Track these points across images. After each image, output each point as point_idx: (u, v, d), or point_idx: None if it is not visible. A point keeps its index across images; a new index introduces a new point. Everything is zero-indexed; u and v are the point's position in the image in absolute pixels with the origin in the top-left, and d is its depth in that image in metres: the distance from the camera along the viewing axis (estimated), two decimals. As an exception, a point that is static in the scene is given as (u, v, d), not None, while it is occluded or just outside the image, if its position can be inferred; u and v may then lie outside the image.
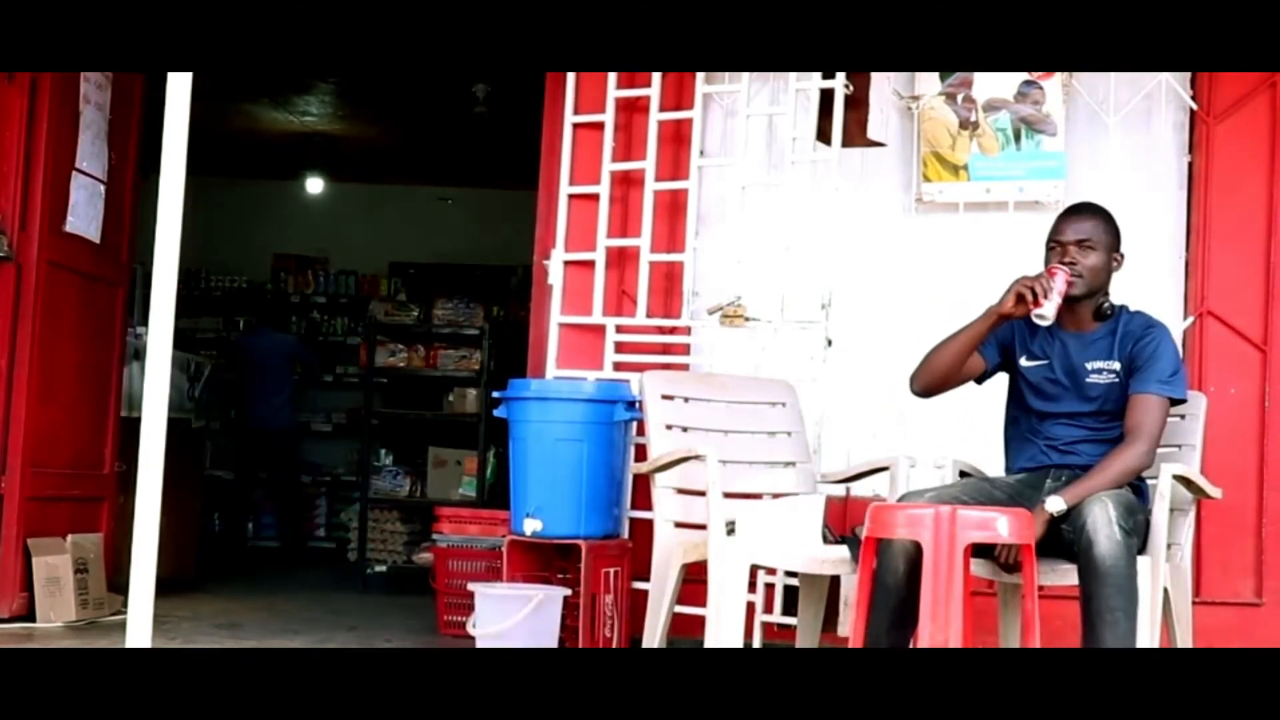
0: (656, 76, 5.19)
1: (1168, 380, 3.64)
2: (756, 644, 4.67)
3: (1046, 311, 3.57)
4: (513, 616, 4.30)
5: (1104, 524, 3.36)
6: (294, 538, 9.46)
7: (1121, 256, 3.77)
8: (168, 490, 3.29)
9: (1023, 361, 3.80)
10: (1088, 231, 3.70)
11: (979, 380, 3.89)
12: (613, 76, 5.23)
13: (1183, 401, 3.73)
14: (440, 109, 8.73)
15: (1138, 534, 3.48)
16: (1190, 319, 4.93)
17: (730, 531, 3.81)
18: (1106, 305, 3.73)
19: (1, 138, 5.17)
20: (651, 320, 5.13)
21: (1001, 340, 3.83)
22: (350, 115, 9.30)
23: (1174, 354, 3.70)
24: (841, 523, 4.68)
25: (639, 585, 4.60)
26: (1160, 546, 3.55)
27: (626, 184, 5.29)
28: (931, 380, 3.82)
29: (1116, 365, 3.69)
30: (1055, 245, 3.72)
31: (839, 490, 4.72)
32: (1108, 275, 3.73)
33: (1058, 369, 3.75)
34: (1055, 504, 3.48)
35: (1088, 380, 3.71)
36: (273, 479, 9.42)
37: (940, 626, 3.07)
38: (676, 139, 5.26)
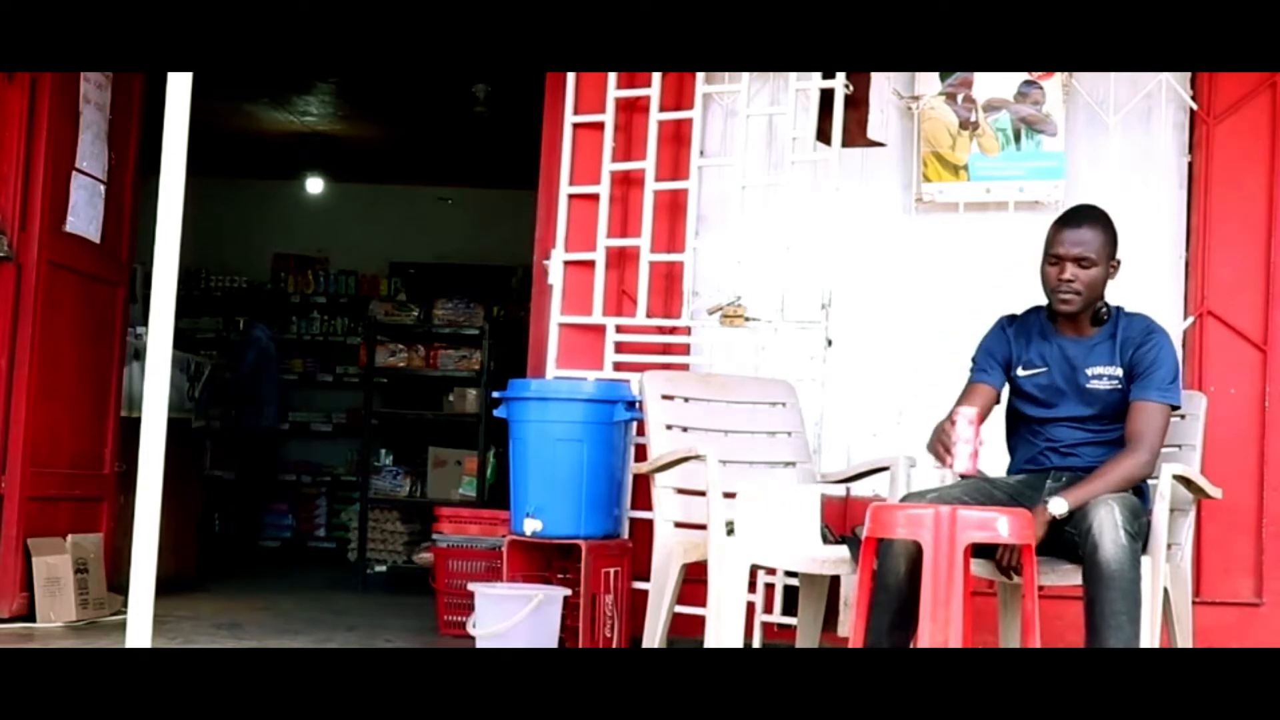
0: (656, 76, 5.19)
1: (1167, 388, 3.65)
2: (756, 644, 4.67)
3: (959, 467, 3.42)
4: (513, 616, 4.30)
5: (1110, 528, 3.36)
6: (267, 538, 9.42)
7: (1119, 263, 3.75)
8: (168, 490, 3.30)
9: (1019, 372, 3.81)
10: (1085, 248, 3.65)
11: (999, 402, 3.90)
12: (613, 76, 5.23)
13: (1178, 407, 3.74)
14: (440, 109, 8.73)
15: (1141, 537, 3.49)
16: (1190, 319, 4.93)
17: (730, 531, 3.81)
18: (1104, 310, 3.73)
19: (1, 138, 5.17)
20: (651, 320, 5.13)
21: (1000, 358, 3.85)
22: (350, 115, 9.30)
23: (1173, 360, 3.70)
24: (841, 523, 4.68)
25: (639, 585, 4.60)
26: (1160, 546, 3.56)
27: (626, 184, 5.29)
28: None
29: (1118, 371, 3.69)
30: (1054, 260, 3.68)
31: (839, 490, 4.72)
32: (1103, 285, 3.72)
33: (1057, 375, 3.75)
34: (1058, 506, 3.48)
35: (1088, 386, 3.71)
36: (250, 479, 9.40)
37: (940, 626, 3.07)
38: (676, 139, 5.26)
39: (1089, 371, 3.70)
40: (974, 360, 3.89)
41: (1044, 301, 3.77)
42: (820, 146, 4.96)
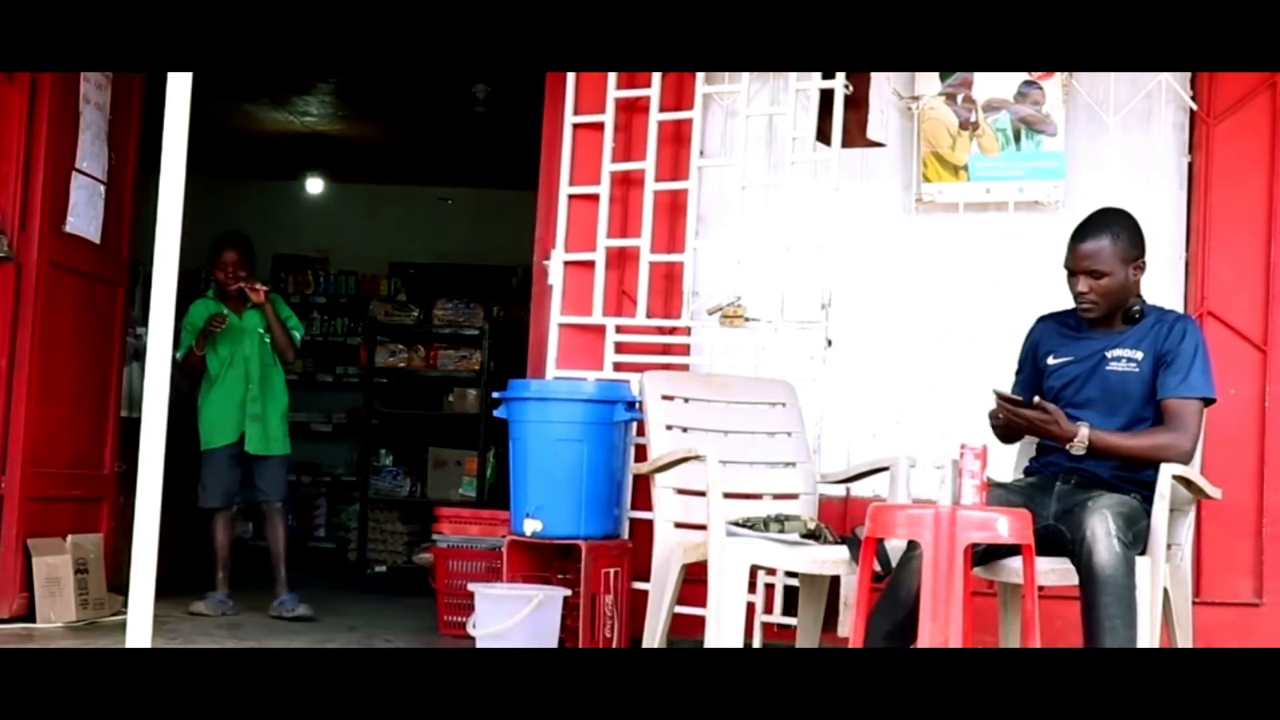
0: (656, 76, 5.19)
1: (1192, 380, 3.69)
2: (756, 644, 4.66)
3: (965, 500, 3.27)
4: (513, 616, 4.30)
5: (1103, 535, 3.41)
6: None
7: (1143, 263, 3.80)
8: (168, 491, 3.29)
9: (1048, 361, 3.88)
10: (1093, 260, 3.73)
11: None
12: (613, 76, 5.23)
13: (1213, 400, 3.75)
14: (440, 109, 8.73)
15: (1138, 543, 3.53)
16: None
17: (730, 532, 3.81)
18: (1136, 309, 3.80)
19: (1, 138, 5.16)
20: (651, 320, 5.13)
21: (1028, 356, 3.96)
22: (350, 115, 9.29)
23: (1198, 351, 3.73)
24: (841, 523, 4.68)
25: (639, 585, 4.60)
26: (1160, 547, 3.56)
27: (626, 184, 5.29)
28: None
29: (1138, 354, 3.74)
30: (1070, 272, 3.78)
31: (839, 490, 4.72)
32: (1128, 288, 3.77)
33: (1083, 364, 3.81)
34: (1079, 447, 3.62)
35: (1107, 368, 3.76)
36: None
37: (940, 626, 3.07)
38: (676, 139, 5.26)
39: (1109, 355, 3.77)
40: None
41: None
42: (820, 147, 4.96)
